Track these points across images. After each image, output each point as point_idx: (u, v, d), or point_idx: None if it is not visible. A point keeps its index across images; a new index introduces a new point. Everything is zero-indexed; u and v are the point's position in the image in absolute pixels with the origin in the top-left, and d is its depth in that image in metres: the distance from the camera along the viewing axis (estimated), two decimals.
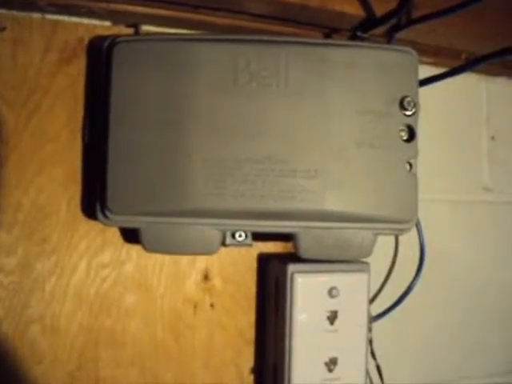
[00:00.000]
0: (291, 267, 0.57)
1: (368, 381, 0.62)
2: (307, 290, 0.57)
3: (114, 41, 0.52)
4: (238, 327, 0.62)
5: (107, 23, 0.58)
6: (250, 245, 0.55)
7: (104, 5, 0.55)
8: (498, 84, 0.78)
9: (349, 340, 0.58)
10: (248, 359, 0.63)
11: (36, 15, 0.56)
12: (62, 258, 0.56)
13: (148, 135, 0.51)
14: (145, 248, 0.52)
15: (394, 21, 0.58)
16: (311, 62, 0.52)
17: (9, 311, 0.54)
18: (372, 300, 0.66)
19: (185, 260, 0.60)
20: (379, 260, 0.68)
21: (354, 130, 0.52)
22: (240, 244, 0.54)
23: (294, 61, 0.52)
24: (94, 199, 0.53)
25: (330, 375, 0.57)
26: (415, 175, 0.54)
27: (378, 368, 0.66)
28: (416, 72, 0.55)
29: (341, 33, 0.62)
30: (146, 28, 0.59)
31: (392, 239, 0.70)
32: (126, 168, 0.50)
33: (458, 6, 0.54)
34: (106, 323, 0.58)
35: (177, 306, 0.60)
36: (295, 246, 0.54)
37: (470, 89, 0.76)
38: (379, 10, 0.58)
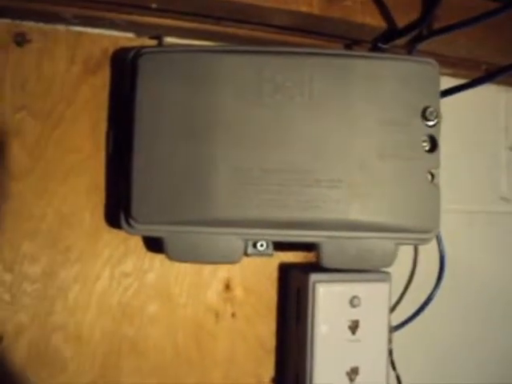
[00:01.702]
0: (313, 277, 0.57)
1: None
2: (329, 300, 0.57)
3: (139, 52, 0.53)
4: (259, 337, 0.62)
5: (130, 35, 0.59)
6: (271, 255, 0.55)
7: (127, 17, 0.56)
8: None
9: (370, 349, 0.58)
10: (269, 369, 0.63)
11: (61, 27, 0.57)
12: (86, 266, 0.57)
13: (172, 145, 0.51)
14: (168, 257, 0.53)
15: (415, 32, 0.59)
16: (334, 73, 0.53)
17: (33, 319, 0.55)
18: (392, 310, 0.66)
19: (207, 269, 0.60)
20: (399, 269, 0.68)
21: (376, 141, 0.53)
22: (261, 254, 0.55)
23: (317, 72, 0.52)
24: (118, 208, 0.53)
25: None
26: (437, 185, 0.54)
27: (398, 378, 0.66)
28: (438, 82, 0.55)
29: (362, 44, 0.63)
30: (168, 40, 0.59)
31: (411, 249, 0.70)
32: (151, 177, 0.51)
33: (478, 17, 0.54)
34: (128, 332, 0.58)
35: (198, 316, 0.60)
36: (318, 256, 0.54)
37: (489, 99, 0.76)
38: (400, 21, 0.59)
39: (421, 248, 0.70)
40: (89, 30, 0.58)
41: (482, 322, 0.75)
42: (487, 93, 0.75)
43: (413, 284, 0.70)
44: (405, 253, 0.70)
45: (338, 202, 0.51)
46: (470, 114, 0.75)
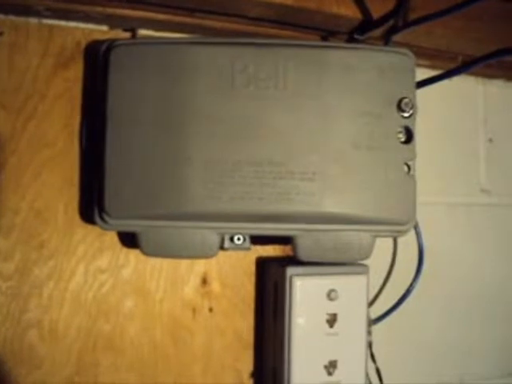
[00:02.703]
0: (290, 270, 0.56)
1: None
2: (306, 293, 0.56)
3: (111, 44, 0.52)
4: (236, 331, 0.62)
5: (104, 27, 0.58)
6: (249, 248, 0.55)
7: (100, 9, 0.55)
8: (495, 86, 0.78)
9: (348, 343, 0.58)
10: (247, 363, 0.63)
11: (33, 20, 0.56)
12: (60, 262, 0.56)
13: (146, 139, 0.50)
14: (143, 252, 0.52)
15: (390, 23, 0.58)
16: (309, 64, 0.52)
17: (7, 316, 0.54)
18: (371, 303, 0.66)
19: (183, 264, 0.60)
20: (378, 262, 0.68)
21: (351, 132, 0.52)
22: (238, 247, 0.54)
23: (291, 63, 0.52)
24: (92, 204, 0.53)
25: (330, 378, 0.57)
26: (413, 177, 0.53)
27: (378, 371, 0.66)
28: (413, 73, 0.55)
29: (338, 35, 0.63)
30: (142, 32, 0.59)
31: (390, 241, 0.70)
32: (124, 172, 0.50)
33: (454, 7, 0.54)
34: (104, 328, 0.57)
35: (175, 311, 0.60)
36: (294, 249, 0.54)
37: (467, 91, 0.76)
38: (376, 12, 0.58)
39: (400, 240, 0.70)
40: (61, 22, 0.57)
41: (462, 314, 0.75)
42: (466, 85, 0.75)
43: (392, 276, 0.69)
44: (384, 245, 0.69)
45: (313, 195, 0.51)
46: (448, 106, 0.75)
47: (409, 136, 0.54)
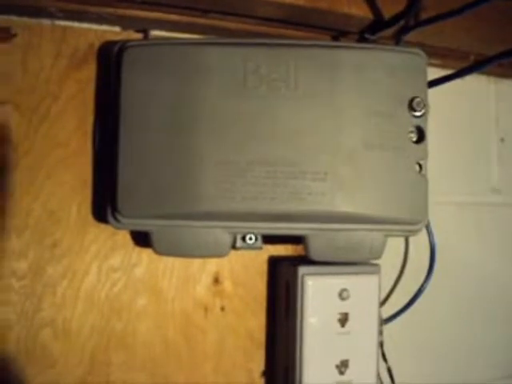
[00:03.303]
0: (301, 269, 0.57)
1: (379, 383, 0.62)
2: (318, 293, 0.57)
3: (123, 45, 0.52)
4: (248, 330, 0.62)
5: (117, 29, 0.59)
6: (261, 248, 0.55)
7: (112, 10, 0.56)
8: (508, 85, 0.77)
9: (360, 342, 0.58)
10: (259, 362, 0.63)
11: (46, 21, 0.57)
12: (73, 262, 0.57)
13: (158, 139, 0.51)
14: (155, 251, 0.52)
15: (401, 23, 0.58)
16: (320, 64, 0.52)
17: (21, 315, 0.55)
18: (383, 302, 0.66)
19: (195, 263, 0.60)
20: (389, 262, 0.68)
21: (363, 132, 0.52)
22: (250, 247, 0.54)
23: (303, 64, 0.52)
24: (105, 203, 0.53)
25: (342, 378, 0.57)
26: (425, 176, 0.54)
27: (389, 370, 0.66)
28: (425, 73, 0.55)
29: (349, 35, 0.63)
30: (155, 33, 0.59)
31: (402, 241, 0.70)
32: (137, 171, 0.51)
33: (465, 7, 0.54)
34: (116, 326, 0.58)
35: (187, 309, 0.60)
36: (306, 248, 0.54)
37: (479, 91, 0.76)
38: (387, 12, 0.58)
39: (411, 240, 0.69)
40: (74, 24, 0.58)
41: (473, 313, 0.75)
42: (478, 84, 0.75)
43: (404, 276, 0.69)
44: (395, 245, 0.69)
45: (324, 194, 0.51)
46: (460, 106, 0.75)
47: (420, 135, 0.54)
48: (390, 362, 0.66)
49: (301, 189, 0.51)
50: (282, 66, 0.52)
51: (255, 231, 0.53)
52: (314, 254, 0.54)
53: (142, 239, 0.58)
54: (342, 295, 0.57)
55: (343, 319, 0.57)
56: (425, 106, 0.53)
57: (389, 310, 0.66)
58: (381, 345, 0.63)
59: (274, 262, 0.63)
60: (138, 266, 0.58)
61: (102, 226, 0.57)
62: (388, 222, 0.53)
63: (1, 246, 0.54)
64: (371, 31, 0.60)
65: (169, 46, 0.52)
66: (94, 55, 0.58)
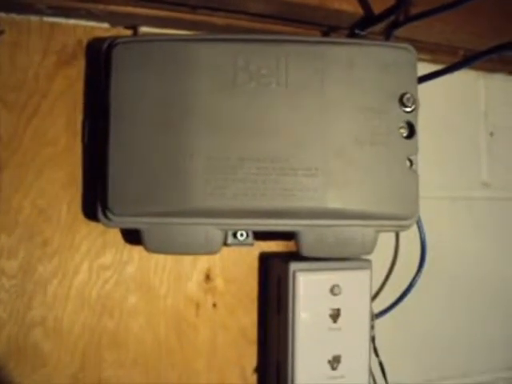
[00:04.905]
0: (293, 265, 0.57)
1: (371, 378, 0.62)
2: (309, 288, 0.57)
3: (113, 42, 0.52)
4: (240, 327, 0.62)
5: (105, 25, 0.58)
6: (252, 244, 0.55)
7: (102, 6, 0.55)
8: (497, 80, 0.78)
9: (352, 337, 0.58)
10: (251, 359, 0.63)
11: (34, 18, 0.56)
12: (64, 260, 0.56)
13: (148, 136, 0.50)
14: (146, 249, 0.52)
15: (391, 18, 0.58)
16: (310, 60, 0.52)
17: (11, 314, 0.54)
18: (374, 297, 0.67)
19: (187, 260, 0.60)
20: (380, 257, 0.68)
21: (354, 128, 0.52)
22: (241, 243, 0.54)
23: (293, 59, 0.52)
24: (95, 201, 0.53)
25: (334, 373, 0.57)
26: (416, 172, 0.54)
27: (381, 365, 0.66)
28: (415, 68, 0.55)
29: (339, 31, 0.63)
30: (144, 29, 0.59)
31: (393, 236, 0.70)
32: (127, 169, 0.50)
33: (455, 2, 0.54)
34: (108, 324, 0.58)
35: (179, 307, 0.60)
36: (297, 244, 0.54)
37: (468, 85, 0.76)
38: (377, 7, 0.58)
39: (402, 235, 0.70)
40: (63, 20, 0.57)
41: (464, 308, 0.75)
42: (467, 79, 0.75)
43: (395, 271, 0.70)
44: (386, 240, 0.70)
45: (316, 190, 0.51)
46: (449, 101, 0.75)
47: (411, 131, 0.54)
48: (382, 357, 0.66)
49: (292, 185, 0.51)
50: (272, 62, 0.52)
51: (246, 228, 0.53)
52: (306, 250, 0.54)
53: (132, 237, 0.57)
54: (334, 291, 0.57)
55: (335, 315, 0.57)
56: (415, 101, 0.54)
57: (379, 304, 0.66)
58: (373, 340, 0.63)
59: (265, 259, 0.63)
60: (129, 264, 0.58)
61: (93, 224, 0.57)
62: (379, 218, 0.53)
63: None
64: (361, 27, 0.61)
65: (158, 43, 0.52)
66: (83, 52, 0.57)
